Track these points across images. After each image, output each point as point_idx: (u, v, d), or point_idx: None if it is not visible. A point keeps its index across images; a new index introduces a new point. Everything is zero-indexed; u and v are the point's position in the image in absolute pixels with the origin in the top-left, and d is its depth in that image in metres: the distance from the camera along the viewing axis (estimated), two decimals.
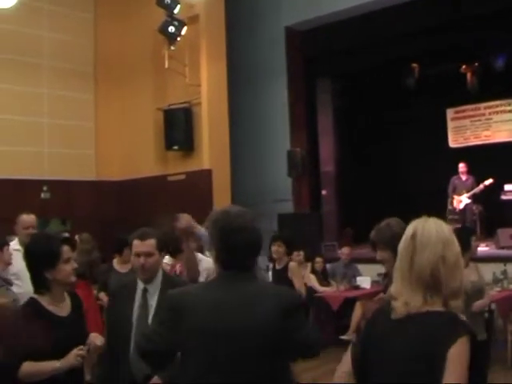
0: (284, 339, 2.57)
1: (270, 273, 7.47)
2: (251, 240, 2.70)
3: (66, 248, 3.33)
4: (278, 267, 7.24)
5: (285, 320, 2.57)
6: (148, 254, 3.81)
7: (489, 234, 12.57)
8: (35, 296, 3.35)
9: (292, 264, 7.21)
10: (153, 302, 3.81)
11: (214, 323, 2.56)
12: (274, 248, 7.19)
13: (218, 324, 2.56)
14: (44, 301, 3.30)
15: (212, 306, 2.61)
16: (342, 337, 9.11)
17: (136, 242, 3.87)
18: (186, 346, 2.63)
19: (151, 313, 3.78)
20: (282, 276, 7.00)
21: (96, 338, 3.40)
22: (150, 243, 3.85)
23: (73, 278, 3.38)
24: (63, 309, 3.37)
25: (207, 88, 12.81)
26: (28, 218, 5.90)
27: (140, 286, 3.87)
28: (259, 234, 2.75)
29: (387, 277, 4.30)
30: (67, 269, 3.30)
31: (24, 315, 3.27)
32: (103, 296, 7.23)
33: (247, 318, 2.56)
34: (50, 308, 3.30)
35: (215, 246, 2.74)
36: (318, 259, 10.71)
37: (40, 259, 3.28)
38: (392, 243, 3.57)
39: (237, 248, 2.66)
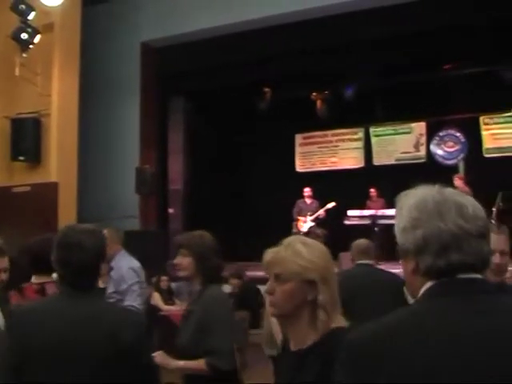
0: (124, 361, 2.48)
1: None
2: (80, 258, 2.61)
3: None
4: None
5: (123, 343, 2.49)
6: None
7: (333, 258, 13.02)
8: None
9: None
10: None
11: (52, 343, 2.47)
12: None
13: (57, 344, 2.47)
14: None
15: (47, 326, 2.52)
16: None
17: None
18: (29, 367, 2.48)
19: None
20: None
21: None
22: None
23: None
24: None
25: (58, 99, 12.53)
26: None
27: None
28: (92, 253, 2.65)
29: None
30: None
31: None
32: None
33: (83, 337, 2.48)
34: None
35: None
36: (164, 278, 10.74)
37: None
38: (200, 253, 3.73)
39: (66, 264, 2.63)
